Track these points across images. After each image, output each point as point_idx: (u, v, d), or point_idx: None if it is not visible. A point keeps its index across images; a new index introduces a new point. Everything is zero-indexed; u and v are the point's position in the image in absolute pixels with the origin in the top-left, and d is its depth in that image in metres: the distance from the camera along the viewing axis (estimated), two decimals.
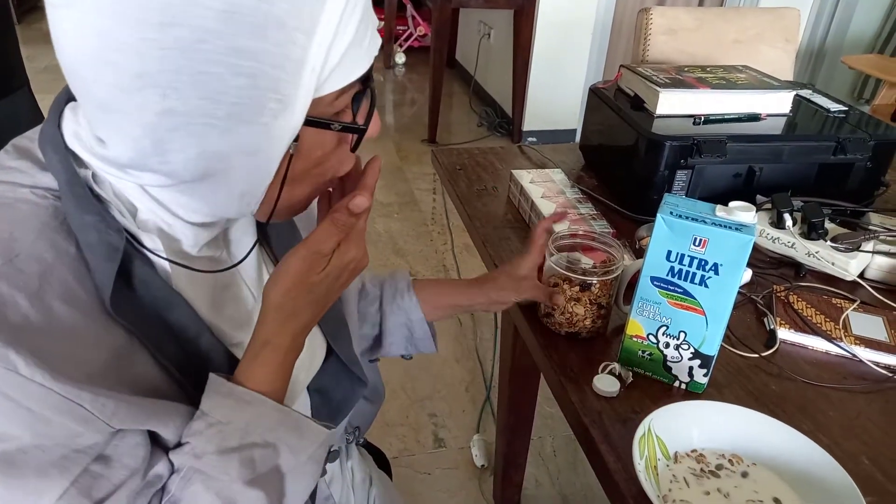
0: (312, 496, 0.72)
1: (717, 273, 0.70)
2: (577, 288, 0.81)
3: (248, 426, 0.51)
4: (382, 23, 5.31)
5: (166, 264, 0.51)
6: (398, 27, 5.33)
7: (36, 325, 0.43)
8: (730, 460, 0.67)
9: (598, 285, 0.81)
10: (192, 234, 0.53)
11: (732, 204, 0.72)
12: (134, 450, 0.49)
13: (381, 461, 1.01)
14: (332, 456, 0.77)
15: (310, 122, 0.47)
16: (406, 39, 5.39)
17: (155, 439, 0.51)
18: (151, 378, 0.50)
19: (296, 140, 0.47)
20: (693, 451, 0.67)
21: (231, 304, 0.59)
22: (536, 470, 1.79)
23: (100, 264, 0.46)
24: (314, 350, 0.67)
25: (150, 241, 0.51)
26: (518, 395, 1.46)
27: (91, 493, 0.46)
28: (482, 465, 1.77)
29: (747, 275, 0.99)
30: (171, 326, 0.51)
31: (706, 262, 0.70)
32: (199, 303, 0.55)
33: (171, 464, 0.51)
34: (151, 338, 0.49)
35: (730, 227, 0.68)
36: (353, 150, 0.53)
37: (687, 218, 0.70)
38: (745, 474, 0.65)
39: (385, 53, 5.27)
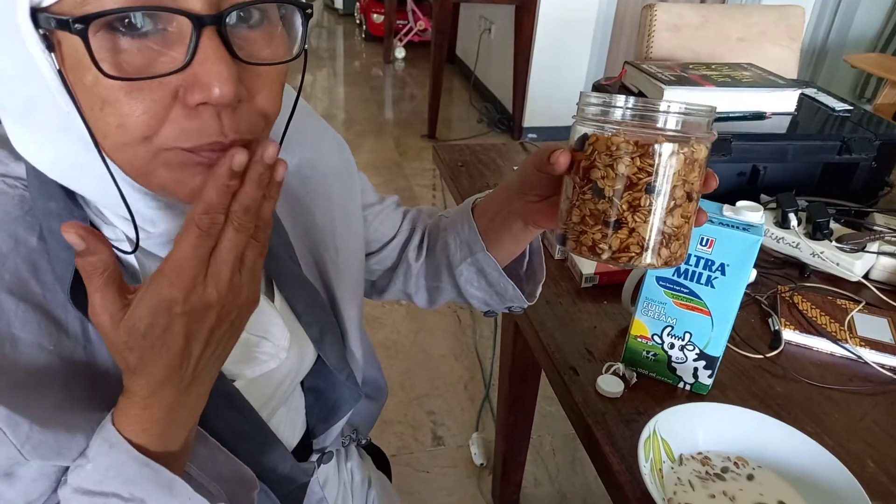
0: (301, 499, 0.70)
1: (723, 273, 0.70)
2: (639, 159, 0.46)
3: (108, 471, 0.44)
4: (382, 17, 5.30)
5: (133, 259, 0.49)
6: (398, 22, 5.31)
7: None
8: (735, 463, 0.66)
9: (684, 153, 0.46)
10: (128, 229, 0.49)
11: (740, 204, 0.71)
12: (35, 482, 0.46)
13: (381, 461, 1.00)
14: (325, 457, 0.76)
15: (41, 18, 0.36)
16: (406, 34, 5.38)
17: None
18: (115, 375, 0.48)
19: (52, 50, 0.37)
20: (698, 453, 0.67)
21: None
22: (535, 468, 1.78)
23: (60, 252, 0.45)
24: (302, 354, 0.65)
25: (111, 233, 0.49)
26: (518, 394, 1.45)
27: None
28: (481, 464, 1.77)
29: (752, 274, 0.98)
30: None
31: (713, 263, 0.69)
32: None
33: None
34: None
35: (737, 227, 0.68)
36: (105, 73, 0.37)
37: None
38: (750, 477, 0.65)
39: (385, 48, 5.25)
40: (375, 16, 5.51)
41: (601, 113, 0.48)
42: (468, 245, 0.68)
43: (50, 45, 0.37)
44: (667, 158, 0.46)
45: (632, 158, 0.46)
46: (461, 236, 0.69)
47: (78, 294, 0.45)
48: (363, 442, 0.90)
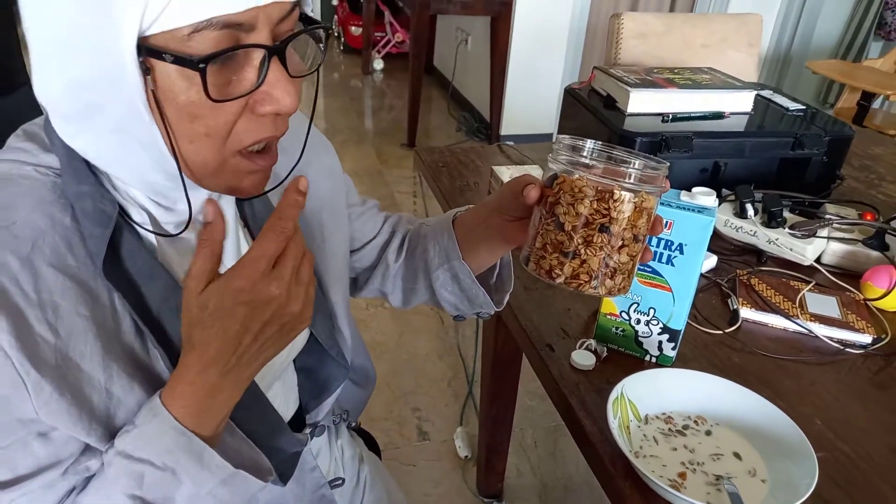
0: (293, 466, 0.75)
1: (682, 253, 0.77)
2: (596, 203, 0.54)
3: (150, 438, 0.51)
4: (360, 29, 5.37)
5: (152, 238, 0.55)
6: (376, 34, 5.39)
7: (24, 289, 0.48)
8: (695, 421, 0.73)
9: (635, 202, 0.54)
10: (155, 209, 0.55)
11: (695, 189, 0.78)
12: (67, 442, 0.52)
13: (372, 446, 1.06)
14: (318, 431, 0.82)
15: (143, 48, 0.43)
16: (384, 46, 5.45)
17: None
18: (136, 348, 0.54)
19: (148, 73, 0.44)
20: (662, 413, 0.74)
21: None
22: (518, 460, 1.84)
23: (93, 230, 0.51)
24: None
25: (138, 215, 0.55)
26: (500, 384, 1.51)
27: (15, 467, 0.50)
28: (465, 456, 1.82)
29: (713, 261, 1.06)
30: (155, 296, 0.55)
31: (672, 243, 0.77)
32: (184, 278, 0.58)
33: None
34: (136, 306, 0.53)
35: (693, 210, 0.75)
36: (213, 98, 0.45)
37: None
38: (708, 433, 0.72)
39: (363, 60, 5.33)
40: (353, 28, 5.58)
41: (571, 157, 0.55)
42: (446, 252, 0.75)
43: (146, 69, 0.44)
44: (620, 205, 0.54)
45: (591, 201, 0.54)
46: (440, 244, 0.76)
47: (109, 266, 0.51)
48: (353, 424, 0.96)
